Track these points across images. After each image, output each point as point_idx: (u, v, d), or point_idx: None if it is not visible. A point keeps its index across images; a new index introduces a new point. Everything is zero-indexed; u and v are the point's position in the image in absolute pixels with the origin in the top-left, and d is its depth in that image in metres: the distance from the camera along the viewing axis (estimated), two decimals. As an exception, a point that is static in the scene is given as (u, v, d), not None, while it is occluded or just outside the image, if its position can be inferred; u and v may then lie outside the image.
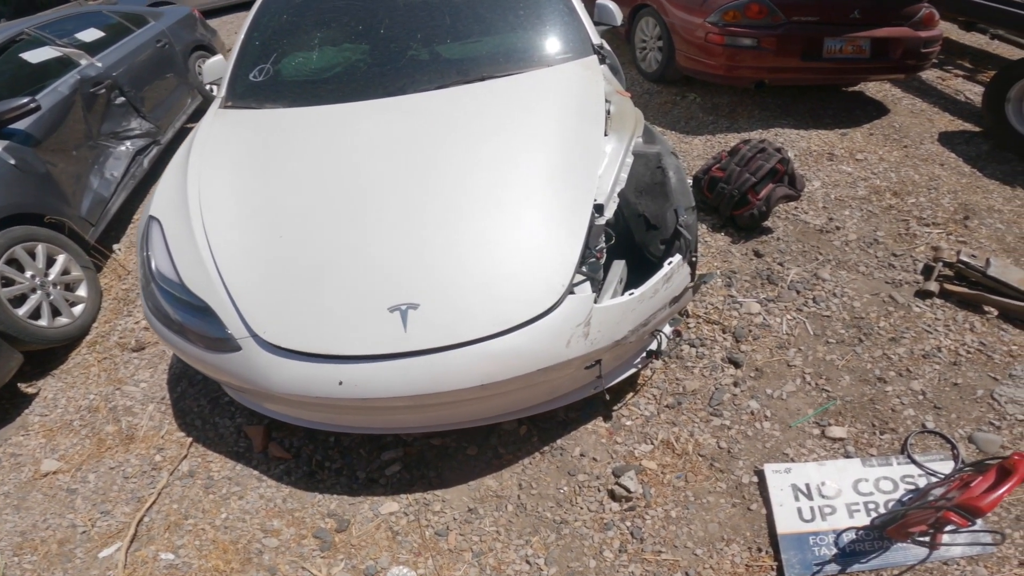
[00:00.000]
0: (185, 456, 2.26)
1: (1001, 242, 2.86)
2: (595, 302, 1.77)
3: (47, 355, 2.79)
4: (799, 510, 1.82)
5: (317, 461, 2.13)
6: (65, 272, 2.88)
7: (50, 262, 2.82)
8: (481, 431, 2.18)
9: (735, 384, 2.24)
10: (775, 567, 1.72)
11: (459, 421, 1.91)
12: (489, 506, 1.96)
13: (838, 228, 2.98)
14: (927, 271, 2.67)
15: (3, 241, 2.57)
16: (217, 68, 2.96)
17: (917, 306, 2.50)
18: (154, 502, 2.08)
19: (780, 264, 2.76)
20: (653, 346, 2.13)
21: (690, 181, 2.50)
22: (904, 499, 1.81)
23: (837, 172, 3.49)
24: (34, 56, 3.75)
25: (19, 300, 2.63)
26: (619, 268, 1.97)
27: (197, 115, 5.39)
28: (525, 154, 2.13)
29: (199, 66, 5.54)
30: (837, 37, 3.94)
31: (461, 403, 1.76)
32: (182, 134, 5.03)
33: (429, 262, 1.83)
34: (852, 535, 1.74)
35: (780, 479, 1.90)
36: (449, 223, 1.93)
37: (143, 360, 2.72)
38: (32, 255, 2.73)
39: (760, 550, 1.76)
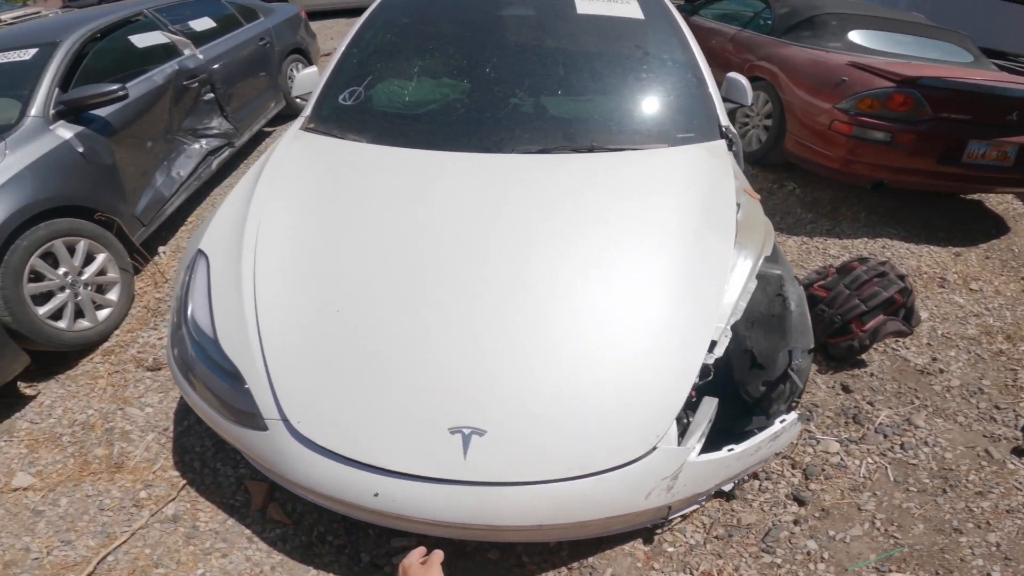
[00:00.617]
0: (173, 498, 2.06)
1: None
2: (681, 445, 1.52)
3: (56, 356, 2.66)
4: None
5: (319, 533, 1.90)
6: (101, 272, 2.77)
7: (87, 259, 2.71)
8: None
9: (795, 522, 2.00)
10: None
11: (495, 537, 1.67)
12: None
13: (941, 371, 2.63)
14: (1027, 428, 2.37)
15: (44, 233, 2.47)
16: (308, 81, 2.77)
17: (1012, 463, 2.26)
18: (124, 541, 1.89)
19: (870, 404, 2.46)
20: (727, 487, 1.88)
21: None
22: None
23: (948, 303, 3.12)
24: (142, 40, 3.78)
25: (44, 296, 2.52)
26: (710, 408, 1.66)
27: (277, 120, 5.42)
28: (636, 259, 1.81)
29: (292, 71, 5.56)
30: (984, 140, 3.47)
31: (508, 531, 1.53)
32: (258, 137, 5.03)
33: (505, 380, 1.55)
34: None
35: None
36: (535, 334, 1.63)
37: (156, 382, 2.54)
38: (71, 251, 2.62)
39: None
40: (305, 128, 2.46)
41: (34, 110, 2.79)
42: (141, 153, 3.29)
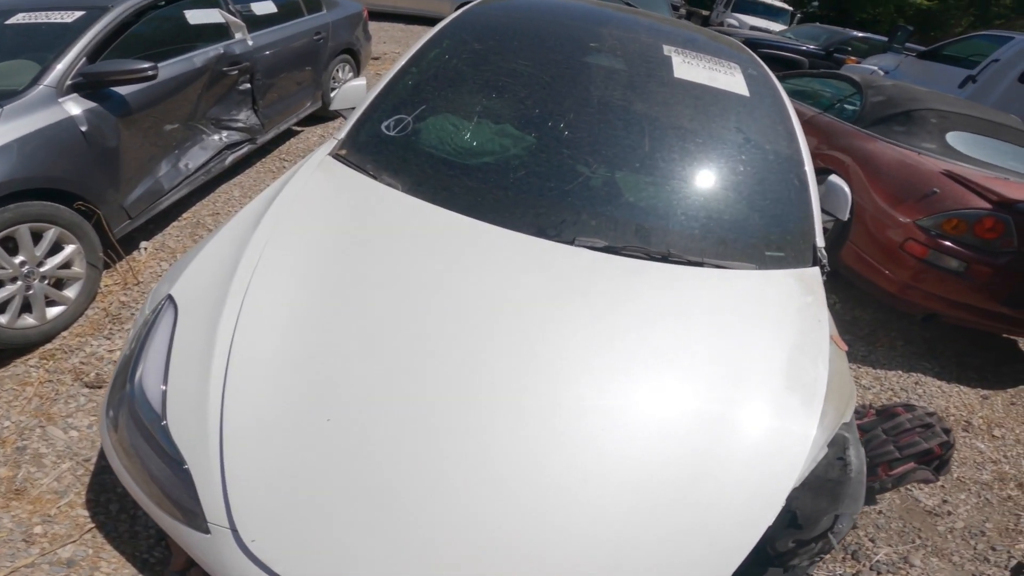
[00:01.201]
0: (74, 540, 1.82)
1: None
2: None
3: None
4: None
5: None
6: (65, 266, 2.55)
7: (53, 249, 2.49)
8: None
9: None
10: None
11: None
12: None
13: (949, 513, 2.60)
14: (1017, 570, 2.41)
15: (10, 216, 2.26)
16: (351, 95, 2.43)
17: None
18: None
19: (871, 540, 2.40)
20: None
21: None
22: None
23: (969, 448, 3.00)
24: (196, 16, 3.62)
25: (-7, 286, 2.30)
26: None
27: (309, 121, 5.26)
28: (700, 421, 1.51)
29: (338, 72, 5.41)
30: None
31: None
32: (283, 136, 4.87)
33: (526, 551, 1.27)
34: None
35: None
36: (570, 501, 1.33)
37: (91, 402, 2.30)
38: (37, 238, 2.41)
39: None
40: (335, 154, 2.09)
41: (48, 79, 2.61)
42: (153, 138, 3.11)
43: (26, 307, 2.44)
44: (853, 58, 9.61)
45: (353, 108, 2.31)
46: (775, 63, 7.10)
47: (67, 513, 1.89)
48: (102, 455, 2.08)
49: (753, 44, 9.22)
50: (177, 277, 1.69)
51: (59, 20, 2.95)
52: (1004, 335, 3.82)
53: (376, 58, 8.18)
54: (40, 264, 2.44)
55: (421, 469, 1.32)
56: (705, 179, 2.14)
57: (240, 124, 3.90)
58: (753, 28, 13.65)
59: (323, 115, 5.31)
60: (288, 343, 1.50)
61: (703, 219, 2.00)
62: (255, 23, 4.12)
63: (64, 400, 2.29)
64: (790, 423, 1.54)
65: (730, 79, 2.46)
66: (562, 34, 2.60)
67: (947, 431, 2.42)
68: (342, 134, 2.17)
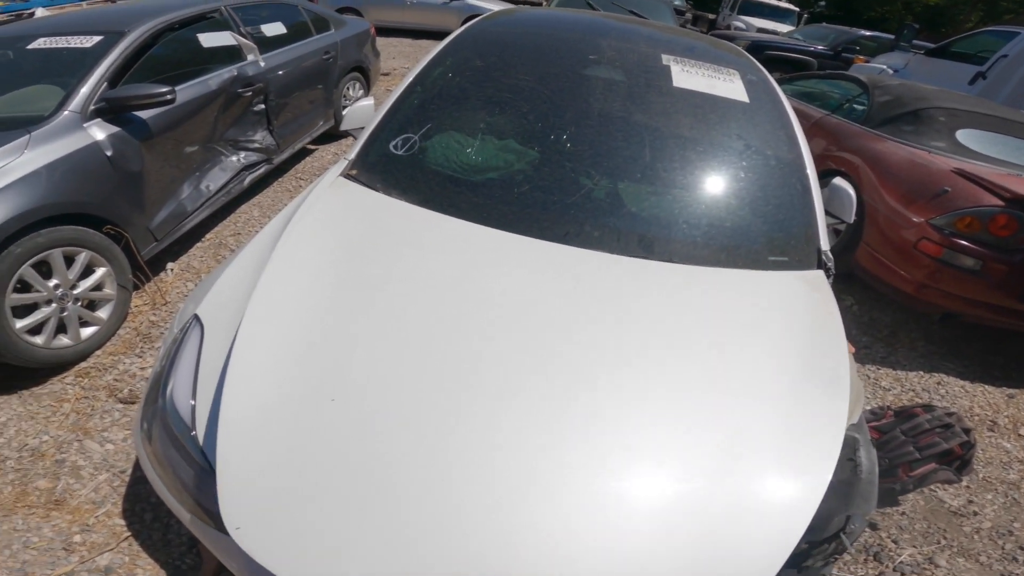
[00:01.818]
0: (111, 548, 1.91)
1: None
2: None
3: (25, 368, 2.52)
4: None
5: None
6: (96, 288, 2.67)
7: (86, 272, 2.61)
8: None
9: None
10: None
11: None
12: None
13: (975, 513, 2.56)
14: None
15: (43, 241, 2.39)
16: (360, 116, 2.49)
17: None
18: None
19: (895, 542, 2.37)
20: None
21: None
22: None
23: (995, 447, 2.97)
24: (209, 39, 3.75)
25: (28, 307, 2.42)
26: None
27: (323, 139, 5.38)
28: (725, 412, 1.52)
29: (349, 90, 5.54)
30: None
31: None
32: (298, 155, 5.00)
33: (542, 548, 1.25)
34: None
35: None
36: (589, 492, 1.34)
37: (125, 416, 2.40)
38: (69, 261, 2.53)
39: None
40: (346, 175, 2.16)
41: (72, 104, 2.74)
42: (173, 161, 3.23)
43: (61, 328, 2.56)
44: (862, 57, 9.63)
45: (362, 128, 2.39)
46: (783, 65, 7.10)
47: (104, 522, 1.98)
48: (137, 466, 2.18)
49: (760, 46, 9.27)
50: (202, 297, 1.78)
51: (79, 45, 3.07)
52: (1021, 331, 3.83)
53: (386, 74, 8.34)
54: (73, 287, 2.56)
55: (425, 457, 1.34)
56: (706, 186, 2.18)
57: (256, 145, 4.03)
58: (760, 30, 13.73)
59: (335, 133, 5.42)
60: (300, 342, 1.56)
61: (704, 226, 2.04)
62: (266, 44, 4.25)
63: (99, 415, 2.40)
64: (820, 415, 1.53)
65: (729, 86, 2.50)
66: (563, 48, 2.67)
67: (967, 431, 2.39)
68: (352, 154, 2.25)
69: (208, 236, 3.76)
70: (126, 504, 2.05)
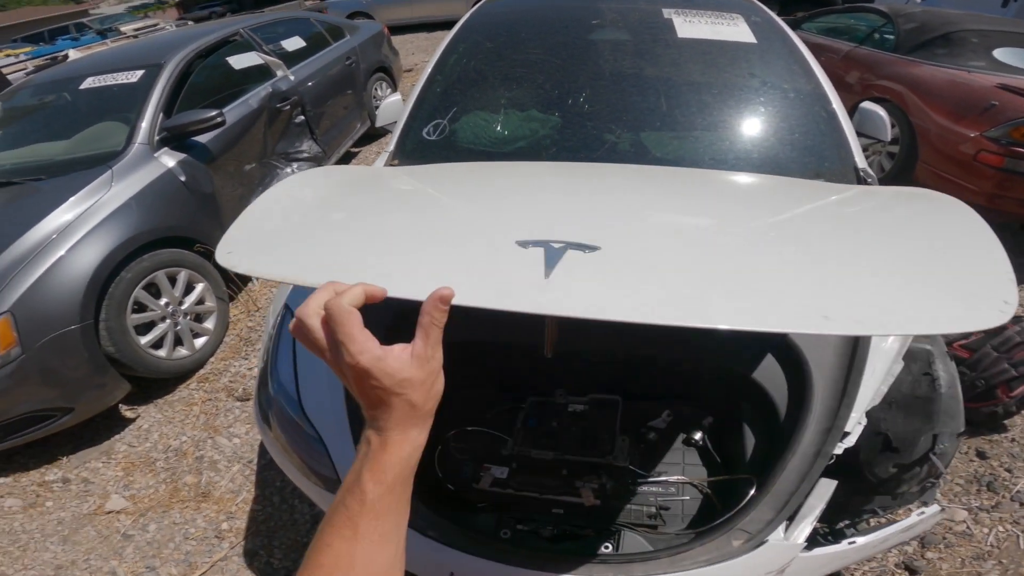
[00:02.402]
0: (252, 532, 2.15)
1: None
2: (787, 535, 1.36)
3: (155, 380, 2.84)
4: None
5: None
6: (199, 302, 2.95)
7: (187, 289, 2.88)
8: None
9: (906, 594, 1.85)
10: None
11: None
12: None
13: None
14: None
15: (148, 265, 2.65)
16: (392, 110, 2.69)
17: None
18: (204, 572, 1.99)
19: (1008, 471, 2.30)
20: None
21: None
22: None
23: None
24: (238, 62, 3.99)
25: (146, 325, 2.70)
26: (826, 491, 1.47)
27: (363, 140, 5.59)
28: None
29: (377, 90, 5.73)
30: None
31: None
32: (344, 159, 5.22)
33: None
34: None
35: None
36: None
37: (244, 412, 2.67)
38: (172, 281, 2.79)
39: None
40: (390, 164, 2.36)
41: (140, 137, 3.00)
42: (237, 179, 3.48)
43: (178, 341, 2.86)
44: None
45: (395, 122, 2.56)
46: (805, 3, 6.98)
47: (243, 508, 2.23)
48: (261, 455, 2.44)
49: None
50: (287, 290, 1.98)
51: (126, 80, 3.33)
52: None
53: (409, 70, 8.54)
54: (180, 303, 2.85)
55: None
56: (727, 123, 2.24)
57: (305, 154, 4.26)
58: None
59: (373, 133, 5.65)
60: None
61: (732, 160, 2.10)
62: (290, 59, 4.46)
63: (223, 414, 2.68)
64: None
65: (734, 29, 2.57)
66: (566, 17, 2.78)
67: None
68: (391, 147, 2.42)
69: (280, 245, 4.01)
70: (258, 490, 2.30)
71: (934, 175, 3.64)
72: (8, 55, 14.60)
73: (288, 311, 1.90)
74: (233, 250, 1.18)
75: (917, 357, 1.66)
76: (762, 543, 1.32)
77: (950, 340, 2.55)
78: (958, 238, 1.34)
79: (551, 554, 1.37)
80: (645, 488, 1.61)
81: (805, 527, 1.37)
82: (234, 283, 3.29)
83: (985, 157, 3.30)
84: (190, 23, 19.14)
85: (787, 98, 2.32)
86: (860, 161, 2.14)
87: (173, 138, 3.08)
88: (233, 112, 3.58)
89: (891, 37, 4.44)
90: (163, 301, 2.75)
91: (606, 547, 1.37)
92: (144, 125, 3.03)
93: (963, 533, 2.09)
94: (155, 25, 17.87)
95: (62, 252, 2.42)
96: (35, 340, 2.28)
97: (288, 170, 4.02)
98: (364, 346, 0.55)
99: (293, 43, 4.72)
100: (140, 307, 2.65)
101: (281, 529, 2.15)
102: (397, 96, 2.77)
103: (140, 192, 2.78)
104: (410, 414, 0.57)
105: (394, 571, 0.57)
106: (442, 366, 0.61)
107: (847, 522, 1.52)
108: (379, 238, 1.30)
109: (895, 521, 1.50)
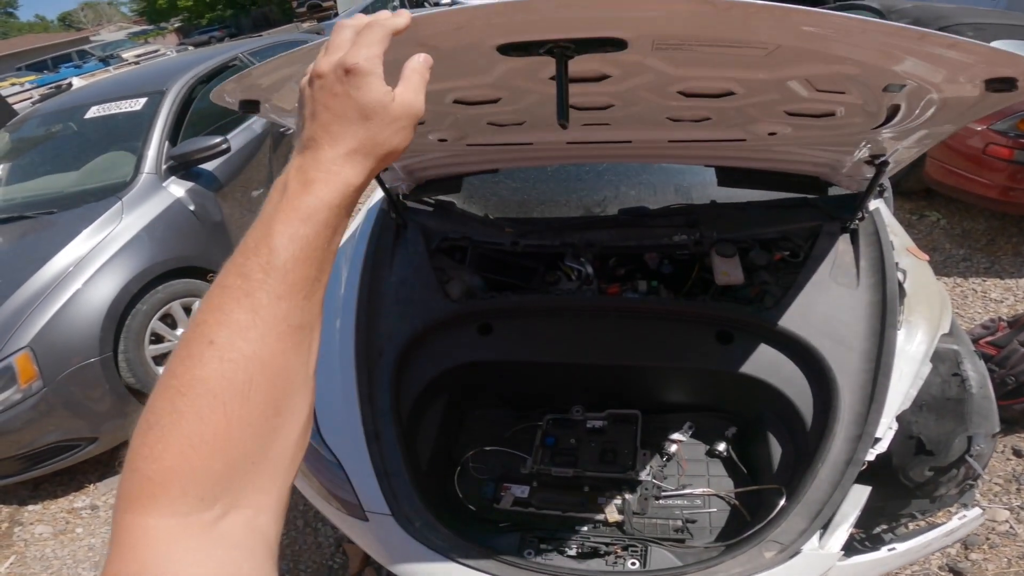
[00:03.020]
0: (279, 556, 2.17)
1: None
2: (823, 544, 1.36)
3: None
4: None
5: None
6: (213, 330, 3.00)
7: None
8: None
9: (952, 598, 1.84)
10: None
11: None
12: None
13: None
14: None
15: (163, 296, 2.73)
16: None
17: None
18: None
19: None
20: None
21: None
22: None
23: None
24: None
25: (165, 356, 2.77)
26: (860, 497, 1.47)
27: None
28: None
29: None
30: None
31: None
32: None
33: None
34: None
35: None
36: None
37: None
38: (188, 311, 2.87)
39: None
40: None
41: (147, 166, 3.08)
42: (246, 206, 3.56)
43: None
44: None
45: None
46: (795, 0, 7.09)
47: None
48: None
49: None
50: None
51: (130, 108, 3.41)
52: None
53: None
54: (194, 331, 2.90)
55: None
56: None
57: (311, 176, 4.34)
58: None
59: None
60: None
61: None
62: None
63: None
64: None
65: None
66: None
67: None
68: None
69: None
70: None
71: (944, 170, 3.66)
72: (14, 83, 15.00)
73: None
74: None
75: (945, 358, 1.67)
76: (796, 553, 1.33)
77: (975, 338, 2.57)
78: None
79: (578, 573, 1.40)
80: (670, 502, 1.63)
81: (840, 535, 1.38)
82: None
83: (995, 150, 3.33)
84: (190, 48, 19.64)
85: None
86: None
87: (180, 167, 3.16)
88: (237, 138, 3.67)
89: None
90: (179, 332, 2.83)
91: (633, 563, 1.40)
92: (151, 154, 3.12)
93: (1007, 533, 2.08)
94: (156, 51, 18.33)
95: (78, 286, 2.51)
96: (56, 373, 2.37)
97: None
98: (373, 57, 0.50)
99: (281, 63, 4.82)
100: (157, 338, 2.73)
101: (306, 552, 2.19)
102: None
103: (151, 223, 2.86)
104: (357, 146, 0.49)
105: (299, 399, 0.47)
106: (414, 128, 0.54)
107: (884, 527, 1.54)
108: None
109: (935, 524, 1.51)
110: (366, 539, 1.59)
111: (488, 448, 1.82)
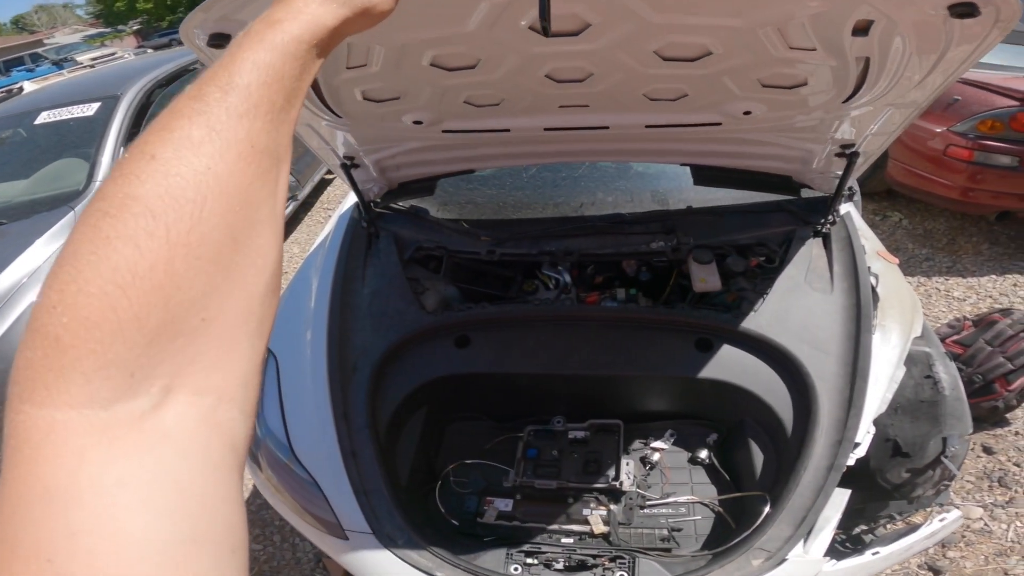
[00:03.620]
0: (256, 573, 2.16)
1: None
2: (807, 549, 1.37)
3: None
4: None
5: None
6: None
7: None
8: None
9: (931, 594, 1.89)
10: None
11: None
12: None
13: None
14: None
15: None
16: None
17: None
18: None
19: (1017, 465, 2.35)
20: None
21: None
22: None
23: None
24: None
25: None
26: (841, 500, 1.48)
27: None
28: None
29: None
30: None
31: None
32: (320, 187, 5.23)
33: None
34: None
35: None
36: None
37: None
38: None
39: None
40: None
41: (101, 174, 2.95)
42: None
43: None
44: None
45: None
46: None
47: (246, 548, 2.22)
48: (256, 494, 2.40)
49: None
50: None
51: (82, 114, 3.25)
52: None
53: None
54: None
55: None
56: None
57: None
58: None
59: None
60: None
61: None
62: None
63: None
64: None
65: None
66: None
67: None
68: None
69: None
70: (256, 529, 2.28)
71: (906, 172, 3.76)
72: (-37, 88, 14.41)
73: (271, 354, 1.88)
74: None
75: (917, 360, 1.70)
76: (783, 560, 1.33)
77: (942, 337, 2.62)
78: None
79: None
80: (655, 511, 1.62)
81: (824, 539, 1.39)
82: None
83: (955, 152, 3.43)
84: (149, 51, 19.10)
85: None
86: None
87: None
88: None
89: None
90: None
91: (621, 575, 1.38)
92: (105, 161, 2.99)
93: (982, 530, 2.13)
94: (113, 54, 17.77)
95: (32, 298, 2.38)
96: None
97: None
98: None
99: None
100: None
101: (285, 568, 2.15)
102: None
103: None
104: None
105: (265, 236, 0.38)
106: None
107: (864, 528, 1.56)
108: None
109: (915, 525, 1.53)
110: (347, 558, 1.54)
111: (469, 461, 1.78)
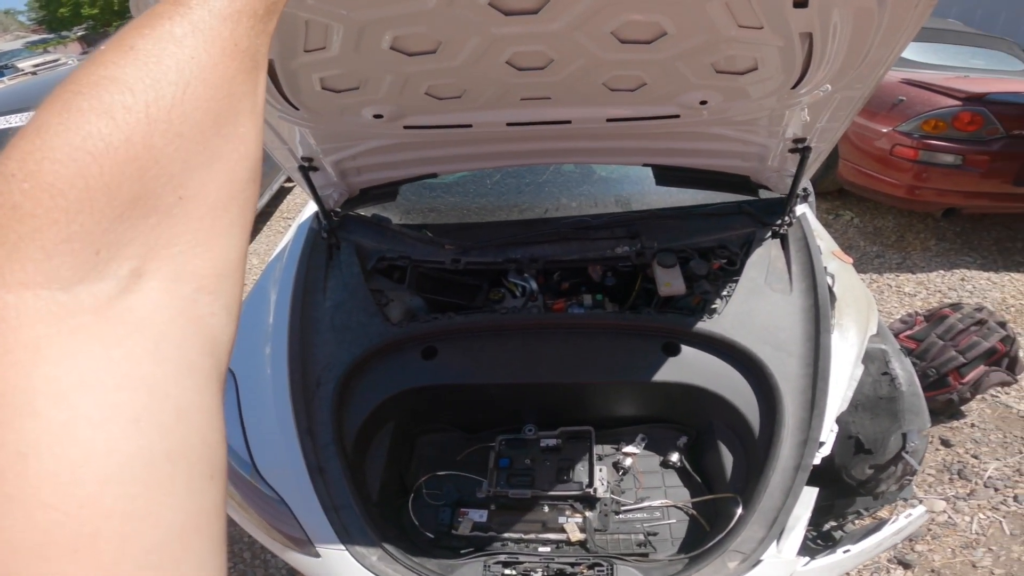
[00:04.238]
0: None
1: None
2: (779, 549, 1.38)
3: None
4: None
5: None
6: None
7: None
8: None
9: (903, 587, 1.94)
10: None
11: None
12: None
13: None
14: None
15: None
16: None
17: None
18: None
19: (975, 457, 2.41)
20: None
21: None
22: None
23: None
24: None
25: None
26: (810, 498, 1.50)
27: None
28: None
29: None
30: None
31: None
32: (278, 196, 5.10)
33: None
34: None
35: None
36: None
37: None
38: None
39: None
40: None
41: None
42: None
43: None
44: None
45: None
46: None
47: None
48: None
49: None
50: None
51: (21, 124, 3.07)
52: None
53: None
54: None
55: None
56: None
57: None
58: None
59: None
60: None
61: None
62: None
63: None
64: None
65: None
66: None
67: (1003, 324, 2.51)
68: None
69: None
70: (228, 545, 2.18)
71: (855, 171, 3.88)
72: None
73: (229, 375, 1.81)
74: None
75: (874, 358, 1.73)
76: (758, 562, 1.34)
77: (895, 333, 2.69)
78: None
79: None
80: (630, 516, 1.61)
81: (796, 538, 1.40)
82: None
83: (900, 151, 3.55)
84: (95, 58, 18.33)
85: None
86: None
87: None
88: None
89: None
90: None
91: None
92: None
93: (946, 523, 2.17)
94: (56, 60, 17.02)
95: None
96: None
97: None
98: None
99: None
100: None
101: (258, 586, 2.07)
102: None
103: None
104: None
105: (247, 126, 0.35)
106: None
107: (833, 524, 1.57)
108: None
109: (882, 520, 1.55)
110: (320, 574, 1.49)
111: (441, 473, 1.75)
